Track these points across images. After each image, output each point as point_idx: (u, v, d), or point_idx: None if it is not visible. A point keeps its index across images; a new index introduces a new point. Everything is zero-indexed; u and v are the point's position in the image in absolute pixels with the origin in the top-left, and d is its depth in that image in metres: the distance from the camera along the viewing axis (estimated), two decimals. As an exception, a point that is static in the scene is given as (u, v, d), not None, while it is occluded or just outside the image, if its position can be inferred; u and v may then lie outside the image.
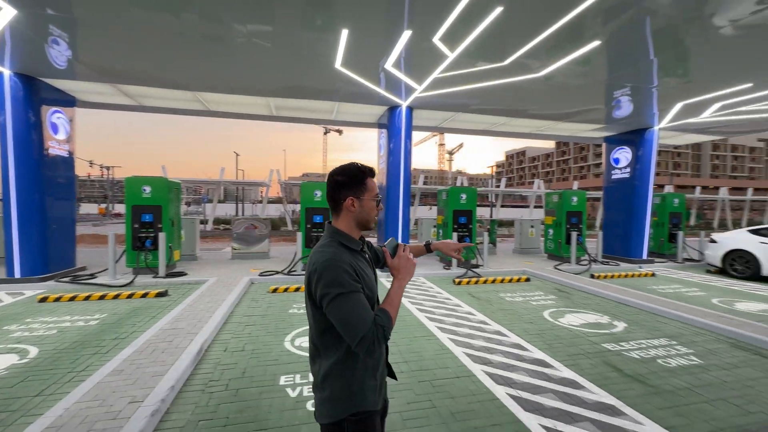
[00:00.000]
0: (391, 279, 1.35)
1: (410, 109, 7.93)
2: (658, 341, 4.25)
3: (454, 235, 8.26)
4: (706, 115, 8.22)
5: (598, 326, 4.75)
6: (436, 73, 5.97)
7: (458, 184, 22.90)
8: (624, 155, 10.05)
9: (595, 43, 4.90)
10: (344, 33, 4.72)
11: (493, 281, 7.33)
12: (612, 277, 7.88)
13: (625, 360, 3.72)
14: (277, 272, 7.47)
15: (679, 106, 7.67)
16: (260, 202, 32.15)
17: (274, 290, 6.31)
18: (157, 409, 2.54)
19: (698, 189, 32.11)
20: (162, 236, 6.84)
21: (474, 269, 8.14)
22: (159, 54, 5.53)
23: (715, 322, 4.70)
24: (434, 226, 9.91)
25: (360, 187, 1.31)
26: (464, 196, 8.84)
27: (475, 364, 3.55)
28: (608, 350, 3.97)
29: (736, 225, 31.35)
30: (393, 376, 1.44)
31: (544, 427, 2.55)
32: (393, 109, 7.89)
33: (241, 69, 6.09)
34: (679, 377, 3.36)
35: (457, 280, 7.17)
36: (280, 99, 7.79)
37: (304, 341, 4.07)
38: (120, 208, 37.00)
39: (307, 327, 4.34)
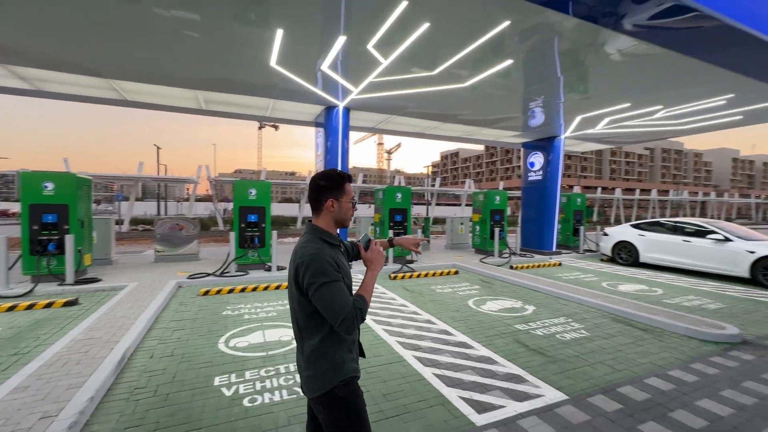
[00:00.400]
0: (365, 270, 1.60)
1: (347, 109, 8.09)
2: (558, 320, 5.00)
3: (390, 232, 8.63)
4: (600, 128, 9.69)
5: (513, 310, 5.42)
6: (372, 77, 6.23)
7: (396, 183, 23.62)
8: (538, 159, 11.36)
9: (509, 62, 5.55)
10: (279, 33, 4.73)
11: (426, 275, 7.85)
12: (527, 267, 8.91)
13: (531, 337, 4.34)
14: (209, 274, 7.13)
15: (578, 118, 8.93)
16: (186, 200, 29.67)
17: (206, 293, 6.04)
18: (75, 422, 2.40)
19: (599, 190, 37.07)
20: (69, 239, 6.12)
21: (408, 264, 8.59)
22: (63, 35, 4.97)
23: (601, 301, 5.65)
24: (372, 224, 10.20)
25: (339, 190, 1.54)
26: (399, 195, 9.26)
27: (406, 351, 3.87)
28: (519, 330, 4.58)
29: (627, 220, 36.97)
30: (362, 354, 1.65)
31: (463, 398, 2.93)
32: (330, 108, 7.98)
33: (163, 58, 5.71)
34: (571, 347, 4.04)
35: (392, 275, 7.54)
36: (210, 92, 7.42)
37: (240, 342, 4.04)
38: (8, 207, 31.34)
39: (242, 328, 4.26)
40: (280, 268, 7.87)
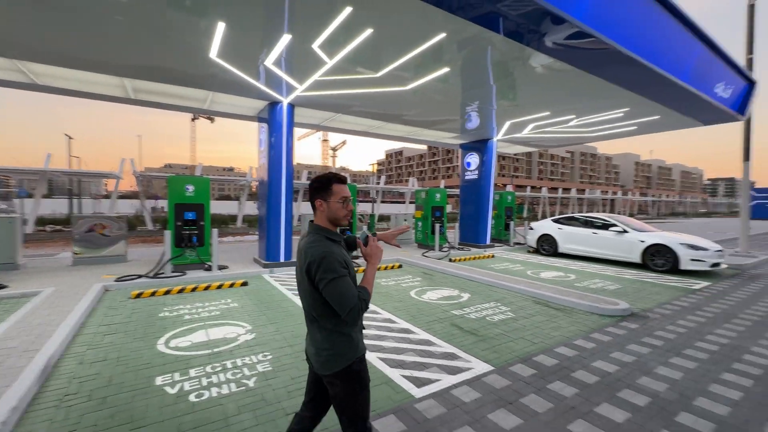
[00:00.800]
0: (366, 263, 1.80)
1: (292, 106, 8.04)
2: (489, 304, 5.58)
3: (362, 230, 8.76)
4: (526, 132, 10.75)
5: (450, 298, 5.91)
6: (317, 76, 6.30)
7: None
8: (474, 160, 12.25)
9: (446, 69, 6.01)
10: (221, 26, 4.62)
11: (372, 269, 8.12)
12: (465, 259, 9.63)
13: (465, 320, 4.82)
14: (141, 276, 6.67)
15: (508, 123, 9.84)
16: (106, 197, 26.76)
17: (138, 295, 5.67)
18: (-3, 433, 2.24)
19: (528, 189, 40.56)
20: (-35, 240, 5.33)
21: (355, 260, 8.81)
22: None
23: (525, 287, 6.39)
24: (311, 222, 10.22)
25: (327, 191, 1.70)
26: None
27: (352, 339, 4.09)
28: (455, 315, 5.04)
29: (552, 216, 41.00)
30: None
31: (404, 377, 3.23)
32: (274, 104, 7.86)
33: (82, 40, 5.21)
34: (498, 327, 4.57)
35: (339, 271, 7.70)
36: (140, 81, 6.89)
37: (182, 342, 3.93)
38: None
39: (183, 329, 4.14)
40: (221, 267, 7.60)
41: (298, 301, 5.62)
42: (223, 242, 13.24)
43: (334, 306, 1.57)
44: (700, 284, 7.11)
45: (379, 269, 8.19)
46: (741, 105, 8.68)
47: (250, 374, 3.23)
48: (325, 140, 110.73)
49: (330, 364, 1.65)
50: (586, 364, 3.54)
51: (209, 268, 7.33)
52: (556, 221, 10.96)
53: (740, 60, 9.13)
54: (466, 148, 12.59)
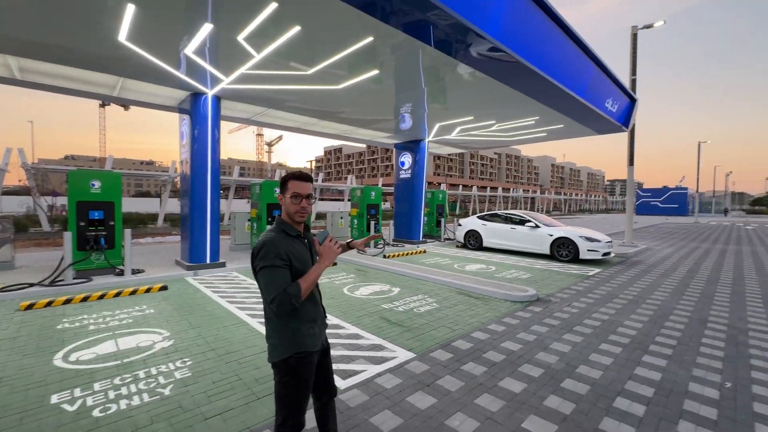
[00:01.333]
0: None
1: (217, 98, 7.60)
2: (417, 297, 5.91)
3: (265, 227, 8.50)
4: (454, 135, 11.48)
5: (381, 293, 6.14)
6: (244, 69, 6.06)
7: (277, 177, 22.81)
8: (407, 159, 12.72)
9: (376, 72, 6.20)
10: (130, 7, 4.23)
11: (306, 268, 8.05)
12: (398, 255, 10.00)
13: (394, 313, 5.06)
14: (33, 284, 5.82)
15: (437, 125, 10.42)
16: (-13, 193, 22.67)
17: (29, 307, 4.96)
18: None
19: (460, 187, 43.06)
20: None
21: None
22: None
23: (451, 279, 6.88)
24: (248, 220, 9.80)
25: (284, 186, 1.75)
26: (278, 190, 9.17)
27: (281, 338, 4.07)
28: (384, 309, 5.27)
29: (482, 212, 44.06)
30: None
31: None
32: (198, 95, 7.36)
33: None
34: (423, 318, 4.89)
35: (271, 271, 7.49)
36: (29, 60, 5.98)
37: (85, 354, 3.56)
38: None
39: (87, 340, 3.78)
40: (136, 272, 6.94)
41: (224, 303, 5.40)
42: (141, 244, 12.03)
43: (261, 293, 1.64)
44: (594, 271, 8.31)
45: (313, 267, 8.14)
46: (625, 118, 10.27)
47: (165, 382, 3.06)
48: (260, 135, 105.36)
49: (271, 352, 1.73)
50: (496, 345, 3.98)
51: (121, 273, 6.65)
52: (480, 218, 11.87)
53: (625, 80, 10.79)
54: (400, 147, 13.03)
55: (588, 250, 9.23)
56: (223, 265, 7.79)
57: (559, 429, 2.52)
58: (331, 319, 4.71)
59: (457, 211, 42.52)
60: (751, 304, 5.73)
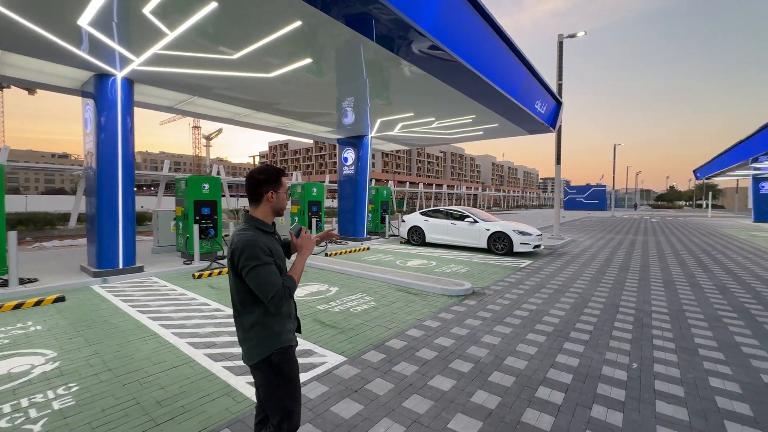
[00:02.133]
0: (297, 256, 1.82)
1: (129, 81, 6.71)
2: (355, 296, 5.74)
3: (196, 227, 7.78)
4: (396, 131, 11.47)
5: (318, 293, 5.87)
6: (157, 49, 5.38)
7: (215, 173, 21.19)
8: (350, 155, 12.49)
9: (308, 60, 5.87)
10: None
11: (238, 270, 7.48)
12: (341, 253, 9.75)
13: (329, 314, 4.83)
14: None
15: (378, 121, 10.32)
16: None
17: None
18: None
19: (407, 184, 43.80)
20: None
21: (219, 261, 7.99)
22: None
23: (391, 276, 6.81)
24: (174, 219, 8.88)
25: (277, 183, 1.75)
26: (207, 186, 8.44)
27: (197, 350, 3.64)
28: (319, 310, 5.01)
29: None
30: (299, 329, 1.90)
31: (250, 383, 3.01)
32: (104, 77, 6.42)
33: None
34: (359, 318, 4.72)
35: (197, 274, 6.85)
36: None
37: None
38: None
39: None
40: (26, 281, 5.91)
41: (134, 313, 4.76)
42: (46, 248, 10.41)
43: (257, 293, 1.60)
44: (525, 263, 8.79)
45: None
46: (552, 120, 11.02)
47: (37, 416, 2.53)
48: (196, 127, 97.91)
49: (251, 354, 1.69)
50: (429, 342, 3.93)
51: (4, 283, 5.60)
52: (423, 214, 12.03)
53: (553, 85, 11.57)
54: (343, 143, 12.74)
55: (521, 243, 9.75)
56: (140, 269, 6.94)
57: (483, 425, 2.49)
58: (258, 325, 4.35)
59: (405, 208, 43.23)
60: (655, 288, 6.40)
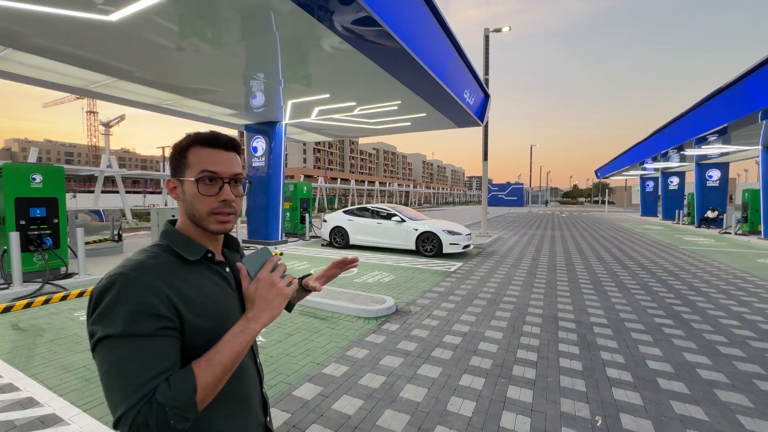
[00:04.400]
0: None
1: None
2: (238, 328, 4.21)
3: (14, 236, 5.43)
4: (313, 117, 9.96)
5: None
6: None
7: (104, 164, 17.14)
8: (260, 144, 10.65)
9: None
10: None
11: (84, 293, 5.39)
12: (243, 262, 7.99)
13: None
14: None
15: (290, 103, 8.72)
16: None
17: None
18: None
19: (339, 180, 42.25)
20: None
21: (56, 282, 5.76)
22: None
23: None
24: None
25: (182, 162, 0.82)
26: (39, 178, 6.08)
27: None
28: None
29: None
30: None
31: None
32: None
33: None
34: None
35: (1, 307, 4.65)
36: None
37: None
38: None
39: None
40: None
41: None
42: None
43: (105, 398, 0.67)
44: (455, 266, 8.02)
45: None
46: (481, 113, 10.51)
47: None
48: (92, 112, 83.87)
49: None
50: (325, 410, 2.64)
51: None
52: (347, 213, 10.75)
53: (482, 76, 11.07)
54: (252, 130, 10.83)
55: (450, 244, 9.01)
56: None
57: None
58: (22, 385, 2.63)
59: (336, 205, 41.57)
60: (586, 291, 5.95)
